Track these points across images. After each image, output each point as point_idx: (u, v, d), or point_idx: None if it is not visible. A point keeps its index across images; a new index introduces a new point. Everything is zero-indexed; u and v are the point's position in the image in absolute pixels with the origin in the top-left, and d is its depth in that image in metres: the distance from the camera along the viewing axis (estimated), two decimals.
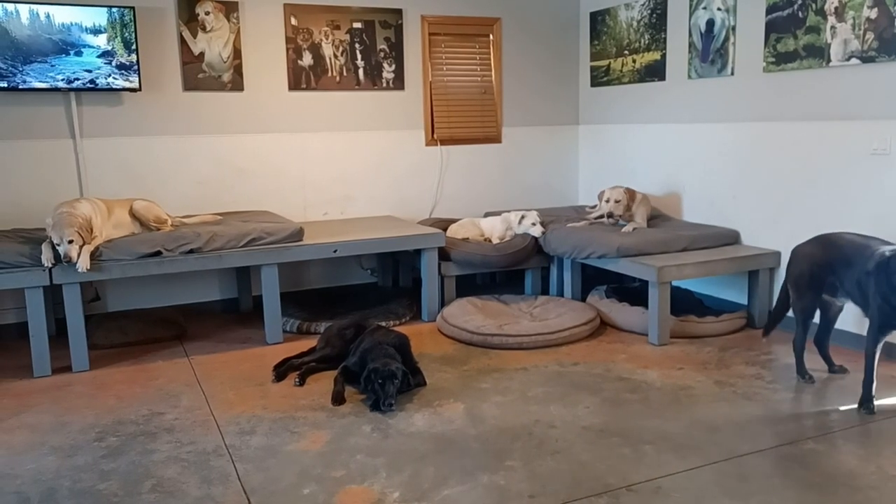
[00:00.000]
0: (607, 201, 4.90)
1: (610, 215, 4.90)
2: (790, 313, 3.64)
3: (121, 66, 4.49)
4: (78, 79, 4.40)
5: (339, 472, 2.75)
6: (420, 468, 2.77)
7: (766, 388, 3.50)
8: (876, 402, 3.21)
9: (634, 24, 5.38)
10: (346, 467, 2.79)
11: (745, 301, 4.57)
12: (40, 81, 4.32)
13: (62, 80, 4.37)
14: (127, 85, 4.54)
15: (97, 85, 4.46)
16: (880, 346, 3.19)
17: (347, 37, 5.23)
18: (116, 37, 4.46)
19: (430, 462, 2.82)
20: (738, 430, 3.06)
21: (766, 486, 2.59)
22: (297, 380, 3.68)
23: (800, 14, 4.14)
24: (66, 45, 4.35)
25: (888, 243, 3.25)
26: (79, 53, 4.38)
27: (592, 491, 2.58)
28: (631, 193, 4.92)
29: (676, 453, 2.85)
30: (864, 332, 3.27)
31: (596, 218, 5.19)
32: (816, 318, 3.60)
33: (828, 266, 3.39)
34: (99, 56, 4.44)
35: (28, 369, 3.88)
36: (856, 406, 3.23)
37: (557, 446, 2.93)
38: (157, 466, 2.83)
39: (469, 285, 5.44)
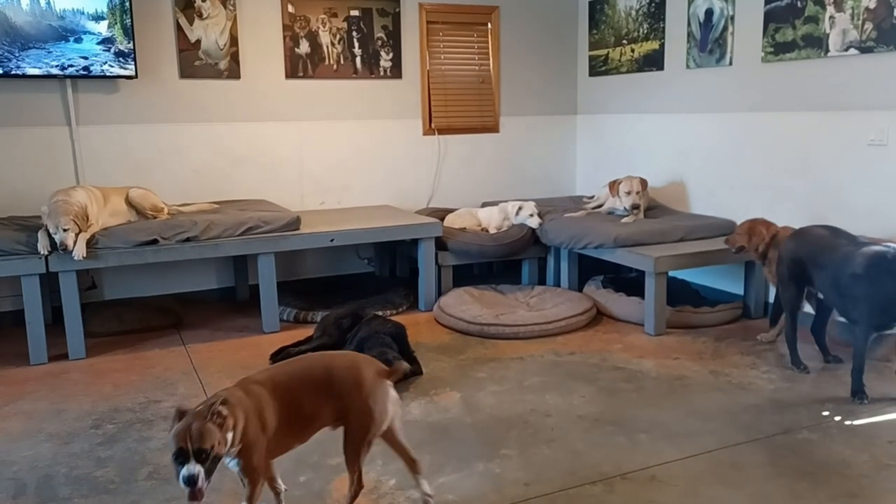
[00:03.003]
0: (628, 193, 4.82)
1: (636, 207, 4.79)
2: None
3: (119, 54, 4.47)
4: (72, 65, 4.38)
5: (336, 460, 2.76)
6: (416, 456, 2.78)
7: (761, 378, 3.52)
8: (869, 392, 3.23)
9: (633, 13, 5.36)
10: (342, 455, 2.79)
11: (741, 291, 4.59)
12: (34, 67, 4.30)
13: (56, 66, 4.35)
14: (122, 72, 4.51)
15: (91, 72, 4.44)
16: (869, 341, 3.20)
17: (345, 25, 5.21)
18: (116, 23, 4.44)
19: (427, 450, 2.83)
20: (732, 419, 3.07)
21: (760, 474, 2.61)
22: None
23: (798, 4, 4.13)
24: (66, 32, 4.32)
25: (856, 241, 3.24)
26: (79, 40, 4.36)
27: (587, 479, 2.59)
28: (645, 183, 4.90)
29: (671, 442, 2.87)
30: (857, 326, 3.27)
31: (594, 208, 5.19)
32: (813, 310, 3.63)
33: (800, 261, 3.42)
34: (99, 43, 4.41)
35: (24, 357, 3.89)
36: (849, 396, 3.25)
37: (553, 435, 2.95)
38: (153, 454, 2.84)
39: (466, 275, 5.44)
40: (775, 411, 3.15)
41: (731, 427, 3.00)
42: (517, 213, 5.01)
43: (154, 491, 2.57)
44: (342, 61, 5.25)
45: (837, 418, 3.06)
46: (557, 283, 5.11)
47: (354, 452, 2.22)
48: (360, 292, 5.02)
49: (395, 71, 5.42)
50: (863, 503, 2.41)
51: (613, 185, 4.98)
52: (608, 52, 5.67)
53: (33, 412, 3.26)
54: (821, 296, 3.49)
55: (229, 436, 1.94)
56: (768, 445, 2.83)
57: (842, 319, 3.60)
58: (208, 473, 1.87)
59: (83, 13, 4.34)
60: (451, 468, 2.69)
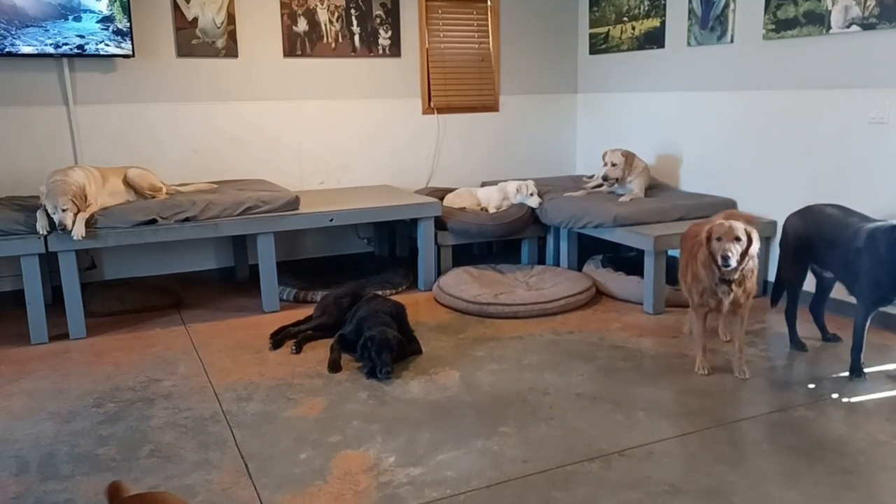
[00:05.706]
0: (605, 165, 4.86)
1: (605, 178, 4.86)
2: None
3: (118, 32, 4.43)
4: (66, 44, 4.34)
5: (336, 438, 2.78)
6: (415, 434, 2.80)
7: (759, 356, 3.53)
8: (866, 370, 3.25)
9: None
10: (342, 433, 2.82)
11: None
12: (28, 46, 4.26)
13: (51, 44, 4.31)
14: (118, 51, 4.47)
15: (85, 51, 4.40)
16: (870, 318, 3.21)
17: (343, 2, 5.15)
18: (116, 1, 4.39)
19: (426, 428, 2.85)
20: (730, 397, 3.09)
21: (757, 451, 2.63)
22: (293, 348, 3.70)
23: None
24: (66, 10, 4.28)
25: (869, 219, 3.25)
26: (78, 19, 4.31)
27: (585, 456, 2.61)
28: (629, 157, 4.88)
29: (669, 419, 2.88)
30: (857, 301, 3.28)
31: (594, 187, 5.17)
32: (812, 288, 3.63)
33: (808, 239, 3.41)
34: (98, 21, 4.37)
35: (25, 336, 3.90)
36: (847, 374, 3.26)
37: (551, 413, 2.96)
38: (154, 432, 2.86)
39: (465, 255, 5.44)
40: (772, 389, 3.17)
41: (729, 405, 3.01)
42: (517, 193, 4.99)
43: (155, 468, 2.59)
44: (340, 39, 5.20)
45: (835, 396, 3.07)
46: (557, 263, 5.11)
47: None
48: (360, 272, 5.02)
49: (394, 49, 5.38)
50: (859, 480, 2.43)
51: (604, 156, 4.97)
52: (609, 30, 5.62)
53: (35, 391, 3.28)
54: (827, 274, 3.48)
55: None
56: (765, 423, 2.85)
57: (842, 299, 3.61)
58: None
59: None
60: (450, 446, 2.71)
